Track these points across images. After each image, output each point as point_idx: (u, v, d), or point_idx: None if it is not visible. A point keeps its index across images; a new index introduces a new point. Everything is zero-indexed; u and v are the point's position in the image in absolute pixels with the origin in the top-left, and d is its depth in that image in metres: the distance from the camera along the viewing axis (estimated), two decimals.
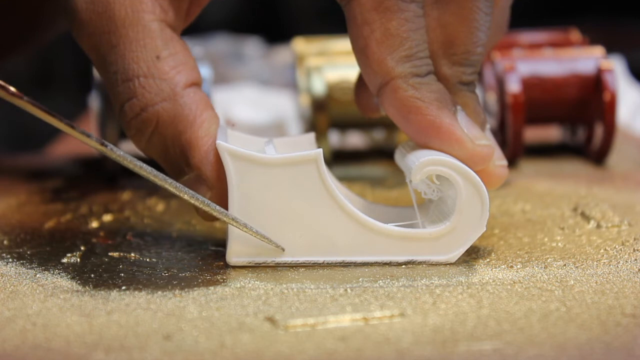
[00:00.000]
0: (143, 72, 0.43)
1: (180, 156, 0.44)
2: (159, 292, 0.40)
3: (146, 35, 0.44)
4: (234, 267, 0.42)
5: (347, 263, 0.42)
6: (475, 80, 0.45)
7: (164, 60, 0.44)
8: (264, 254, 0.42)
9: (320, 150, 0.42)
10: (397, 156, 0.45)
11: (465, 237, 0.42)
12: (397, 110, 0.43)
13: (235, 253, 0.42)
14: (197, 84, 0.44)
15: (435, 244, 0.42)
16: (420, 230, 0.42)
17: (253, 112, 0.79)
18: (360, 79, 0.49)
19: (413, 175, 0.42)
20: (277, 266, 0.42)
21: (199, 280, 0.41)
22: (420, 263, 0.42)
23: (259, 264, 0.42)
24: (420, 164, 0.41)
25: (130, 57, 0.43)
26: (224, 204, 0.42)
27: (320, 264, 0.42)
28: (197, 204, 0.42)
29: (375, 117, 0.49)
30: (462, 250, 0.42)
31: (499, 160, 0.44)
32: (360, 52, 0.43)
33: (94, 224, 0.50)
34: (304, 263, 0.42)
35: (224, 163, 0.42)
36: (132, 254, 0.44)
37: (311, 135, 0.47)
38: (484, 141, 0.43)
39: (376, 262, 0.42)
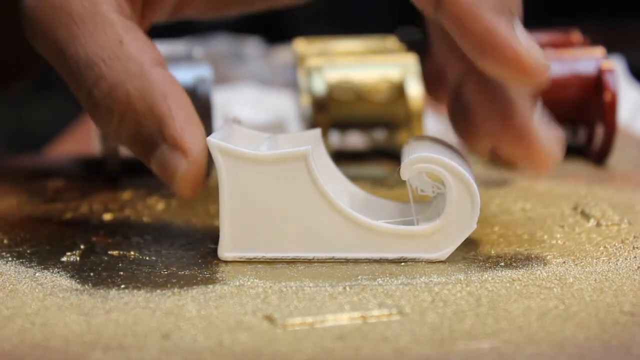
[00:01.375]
0: (108, 55, 0.43)
1: (155, 130, 0.43)
2: (158, 291, 0.40)
3: (106, 25, 0.43)
4: (233, 265, 0.42)
5: (337, 259, 0.42)
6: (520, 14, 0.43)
7: (128, 43, 0.43)
8: (255, 248, 0.42)
9: (309, 147, 0.42)
10: (403, 151, 0.45)
11: (455, 235, 0.42)
12: (455, 21, 0.41)
13: (227, 248, 0.42)
14: (162, 65, 0.44)
15: (425, 242, 0.42)
16: (410, 228, 0.42)
17: (253, 112, 0.79)
18: (426, 69, 0.48)
19: (402, 172, 0.42)
20: (275, 263, 0.42)
21: (198, 279, 0.41)
22: (410, 260, 0.42)
23: (251, 259, 0.43)
24: (409, 161, 0.42)
25: (92, 43, 0.43)
26: (201, 175, 0.42)
27: (310, 259, 0.42)
28: None
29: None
30: (452, 248, 0.42)
31: (550, 142, 0.43)
32: None
33: (94, 223, 0.50)
34: (294, 258, 0.43)
35: (214, 160, 0.42)
36: (132, 252, 0.44)
37: (317, 132, 0.47)
38: (542, 60, 0.41)
39: (371, 259, 0.42)
